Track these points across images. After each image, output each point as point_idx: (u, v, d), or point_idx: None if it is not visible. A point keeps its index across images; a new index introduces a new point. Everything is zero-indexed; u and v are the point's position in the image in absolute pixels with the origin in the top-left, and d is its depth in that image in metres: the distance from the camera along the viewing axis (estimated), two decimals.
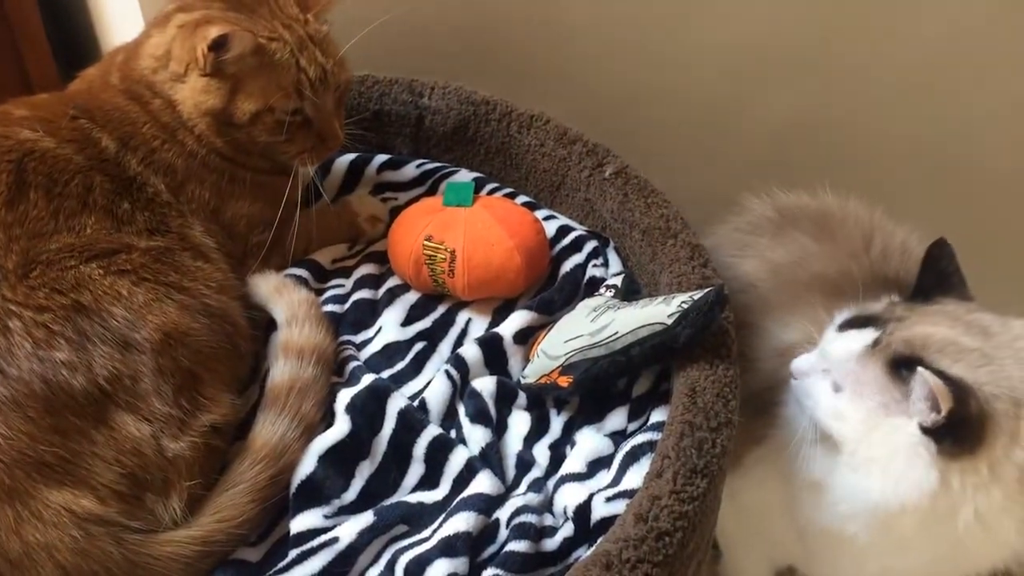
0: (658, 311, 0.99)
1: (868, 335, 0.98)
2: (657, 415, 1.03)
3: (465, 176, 1.32)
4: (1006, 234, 1.67)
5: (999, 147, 1.58)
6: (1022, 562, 1.02)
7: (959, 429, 0.90)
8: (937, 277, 1.04)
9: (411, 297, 1.19)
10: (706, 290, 0.99)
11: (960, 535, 0.94)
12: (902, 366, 0.94)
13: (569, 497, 0.96)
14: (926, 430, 0.91)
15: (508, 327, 1.12)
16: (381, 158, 1.35)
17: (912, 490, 0.93)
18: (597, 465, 1.00)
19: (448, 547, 0.91)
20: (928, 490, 0.92)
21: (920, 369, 0.90)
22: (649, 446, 0.99)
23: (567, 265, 1.20)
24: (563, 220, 1.28)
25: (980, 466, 0.92)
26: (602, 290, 1.13)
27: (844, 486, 0.99)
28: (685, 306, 0.98)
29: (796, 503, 1.08)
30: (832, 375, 0.99)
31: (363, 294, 1.18)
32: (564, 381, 1.03)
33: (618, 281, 1.14)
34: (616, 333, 1.00)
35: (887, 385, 0.95)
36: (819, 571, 1.25)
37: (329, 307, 1.14)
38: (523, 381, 1.07)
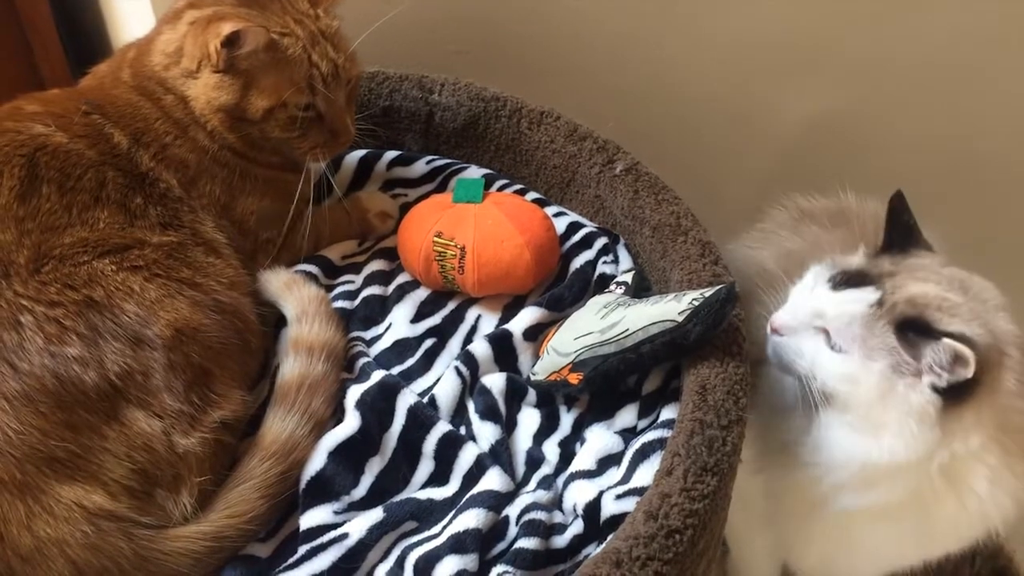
0: (669, 308, 0.99)
1: (869, 295, 0.99)
2: (667, 412, 1.03)
3: (475, 173, 1.32)
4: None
5: (1018, 143, 1.58)
6: (993, 532, 1.04)
7: (958, 388, 0.93)
8: (903, 229, 1.06)
9: (421, 293, 1.19)
10: (717, 287, 0.99)
11: (935, 486, 0.98)
12: (909, 328, 0.95)
13: (579, 494, 0.96)
14: (937, 389, 0.93)
15: (518, 324, 1.12)
16: (391, 154, 1.35)
17: (920, 447, 0.95)
18: (607, 462, 1.00)
19: (458, 544, 0.91)
20: (933, 445, 0.95)
21: (946, 340, 0.91)
22: (659, 443, 0.98)
23: (577, 262, 1.20)
24: (573, 217, 1.27)
25: (965, 414, 0.95)
26: (612, 287, 1.13)
27: (842, 448, 0.99)
28: (696, 303, 0.97)
29: (782, 478, 1.08)
30: (833, 336, 0.99)
31: (373, 290, 1.18)
32: (574, 378, 1.02)
33: (628, 278, 1.13)
34: (627, 330, 1.00)
35: (896, 347, 0.95)
36: (808, 559, 1.25)
37: (339, 303, 1.14)
38: (533, 378, 1.07)
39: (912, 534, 1.05)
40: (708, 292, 0.98)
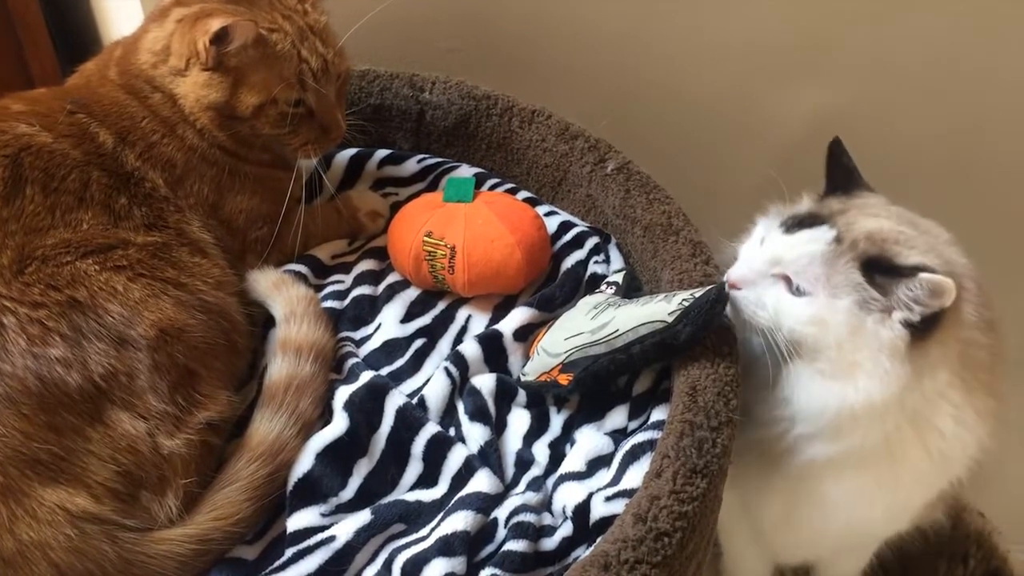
0: (659, 309, 0.98)
1: (824, 233, 0.99)
2: (658, 414, 1.02)
3: (466, 172, 1.31)
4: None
5: (1018, 143, 1.57)
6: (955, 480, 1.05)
7: (927, 321, 0.94)
8: (844, 172, 1.08)
9: (411, 293, 1.18)
10: (707, 288, 0.98)
11: (901, 430, 0.98)
12: (874, 267, 0.95)
13: (568, 496, 0.96)
14: (906, 323, 0.94)
15: (508, 324, 1.11)
16: (382, 153, 1.34)
17: (894, 384, 0.95)
18: (597, 464, 0.99)
19: (446, 546, 0.90)
20: (905, 381, 0.94)
21: (923, 275, 0.92)
22: (649, 445, 0.98)
23: (568, 261, 1.19)
24: (564, 216, 1.27)
25: (931, 349, 0.95)
26: (603, 287, 1.13)
27: (817, 397, 0.98)
28: (686, 304, 0.97)
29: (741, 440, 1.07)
30: (794, 279, 0.98)
31: (363, 290, 1.17)
32: (564, 379, 1.02)
33: (619, 278, 1.13)
34: (616, 331, 0.99)
35: (861, 283, 0.95)
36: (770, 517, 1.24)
37: (328, 303, 1.14)
38: (523, 379, 1.06)
39: (877, 483, 1.04)
40: (698, 292, 0.98)
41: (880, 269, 0.95)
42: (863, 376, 0.95)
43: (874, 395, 0.95)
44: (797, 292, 0.98)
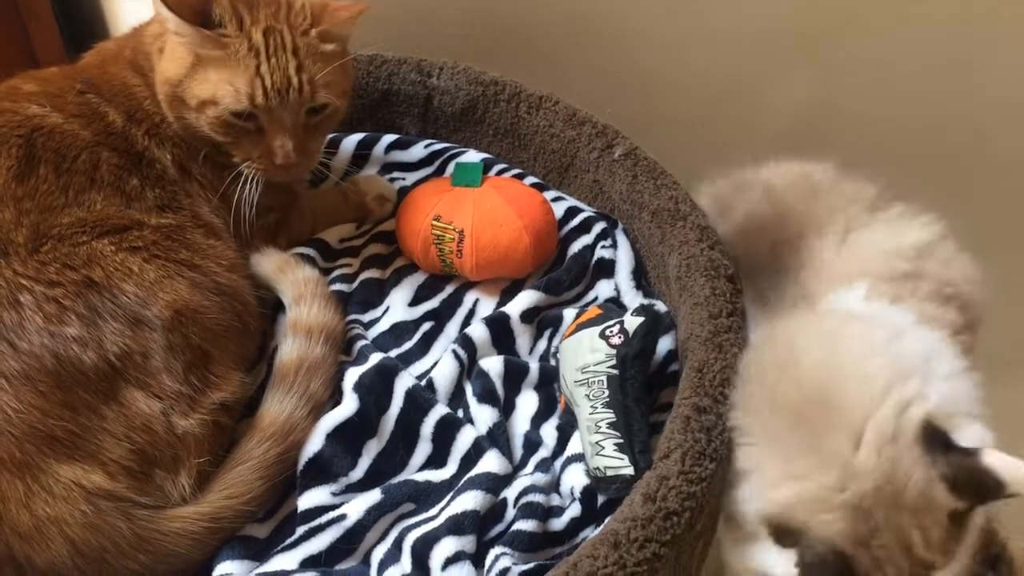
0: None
1: None
2: (665, 396, 1.03)
3: (474, 157, 1.32)
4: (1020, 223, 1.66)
5: (1012, 134, 1.58)
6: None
7: None
8: None
9: (419, 277, 1.19)
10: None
11: None
12: None
13: (576, 478, 0.97)
14: None
15: (515, 307, 1.12)
16: (389, 138, 1.35)
17: None
18: None
19: (456, 525, 0.91)
20: None
21: None
22: (657, 428, 0.99)
23: (575, 246, 1.20)
24: (572, 201, 1.27)
25: None
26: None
27: None
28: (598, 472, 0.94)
29: None
30: None
31: (371, 274, 1.18)
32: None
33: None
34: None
35: None
36: None
37: (336, 286, 1.14)
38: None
39: None
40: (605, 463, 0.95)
41: None
42: None
43: None
44: None
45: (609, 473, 0.93)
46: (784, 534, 0.87)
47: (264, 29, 1.03)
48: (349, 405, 0.99)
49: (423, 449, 1.01)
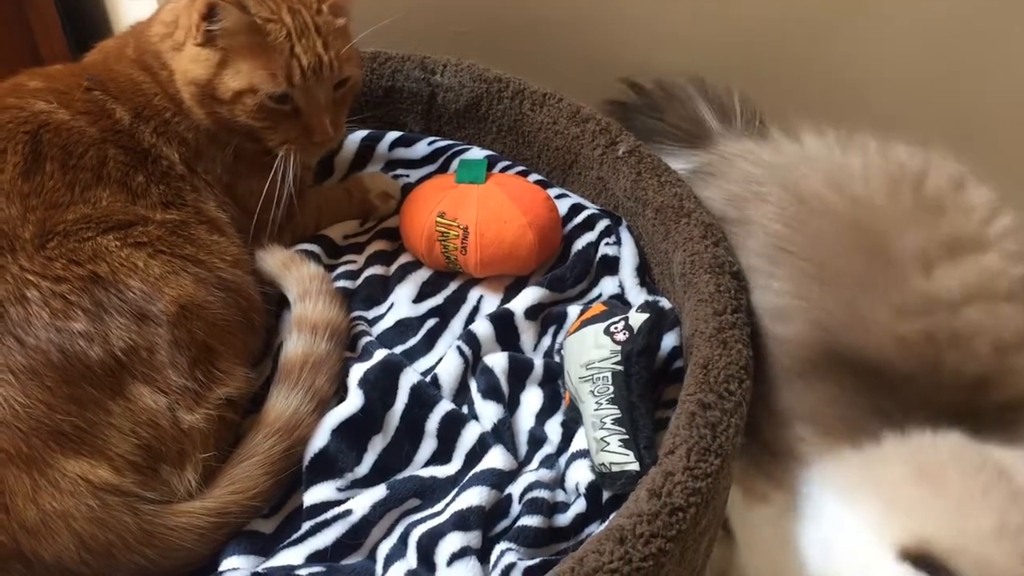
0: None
1: None
2: (670, 393, 1.03)
3: (478, 154, 1.32)
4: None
5: (1006, 140, 1.58)
6: None
7: None
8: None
9: (423, 274, 1.19)
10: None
11: None
12: None
13: (581, 474, 0.97)
14: None
15: (519, 303, 1.12)
16: (393, 135, 1.35)
17: None
18: None
19: (461, 521, 0.91)
20: None
21: None
22: (662, 423, 0.99)
23: (579, 243, 1.20)
24: (576, 198, 1.28)
25: None
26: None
27: None
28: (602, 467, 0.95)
29: None
30: None
31: (375, 270, 1.18)
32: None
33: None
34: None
35: None
36: None
37: (341, 283, 1.14)
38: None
39: None
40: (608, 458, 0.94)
41: None
42: None
43: None
44: None
45: (614, 469, 0.93)
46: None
47: (290, 10, 1.05)
48: (354, 401, 0.99)
49: (428, 445, 1.01)
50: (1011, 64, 1.55)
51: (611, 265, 1.19)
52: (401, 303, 1.15)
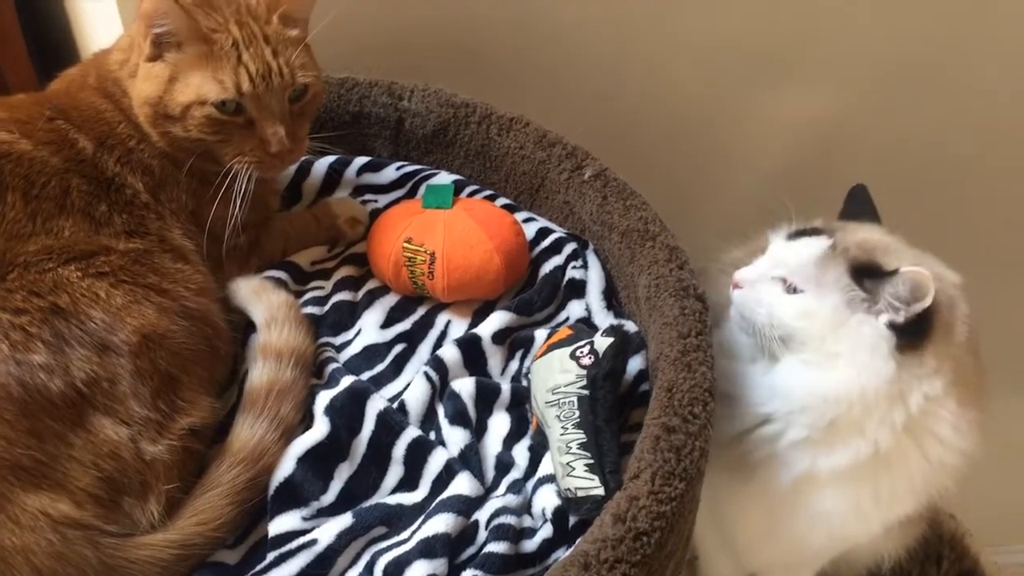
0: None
1: (822, 242, 1.07)
2: (636, 416, 1.04)
3: (445, 178, 1.32)
4: (1006, 234, 1.69)
5: (996, 149, 1.60)
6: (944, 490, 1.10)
7: (914, 326, 1.01)
8: (860, 207, 1.18)
9: (391, 299, 1.19)
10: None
11: (899, 438, 1.04)
12: (861, 268, 1.04)
13: (547, 498, 0.97)
14: (891, 325, 1.01)
15: (487, 328, 1.12)
16: (361, 160, 1.35)
17: (873, 378, 1.01)
18: None
19: (427, 548, 0.91)
20: (887, 377, 1.01)
21: (904, 269, 0.99)
22: (627, 447, 0.99)
23: (547, 267, 1.21)
24: (543, 222, 1.28)
25: (927, 359, 1.02)
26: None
27: (799, 385, 1.04)
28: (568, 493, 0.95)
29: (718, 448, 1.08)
30: (790, 279, 1.06)
31: (343, 296, 1.18)
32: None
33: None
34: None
35: (849, 284, 1.03)
36: (761, 553, 1.28)
37: (308, 309, 1.14)
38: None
39: (872, 495, 1.07)
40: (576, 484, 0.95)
41: (867, 273, 1.03)
42: (843, 366, 1.02)
43: (852, 385, 1.01)
44: (791, 291, 1.06)
45: (580, 494, 0.93)
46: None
47: (237, 22, 1.05)
48: (320, 429, 0.99)
49: (395, 472, 1.00)
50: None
51: (578, 288, 1.19)
52: (368, 329, 1.15)
